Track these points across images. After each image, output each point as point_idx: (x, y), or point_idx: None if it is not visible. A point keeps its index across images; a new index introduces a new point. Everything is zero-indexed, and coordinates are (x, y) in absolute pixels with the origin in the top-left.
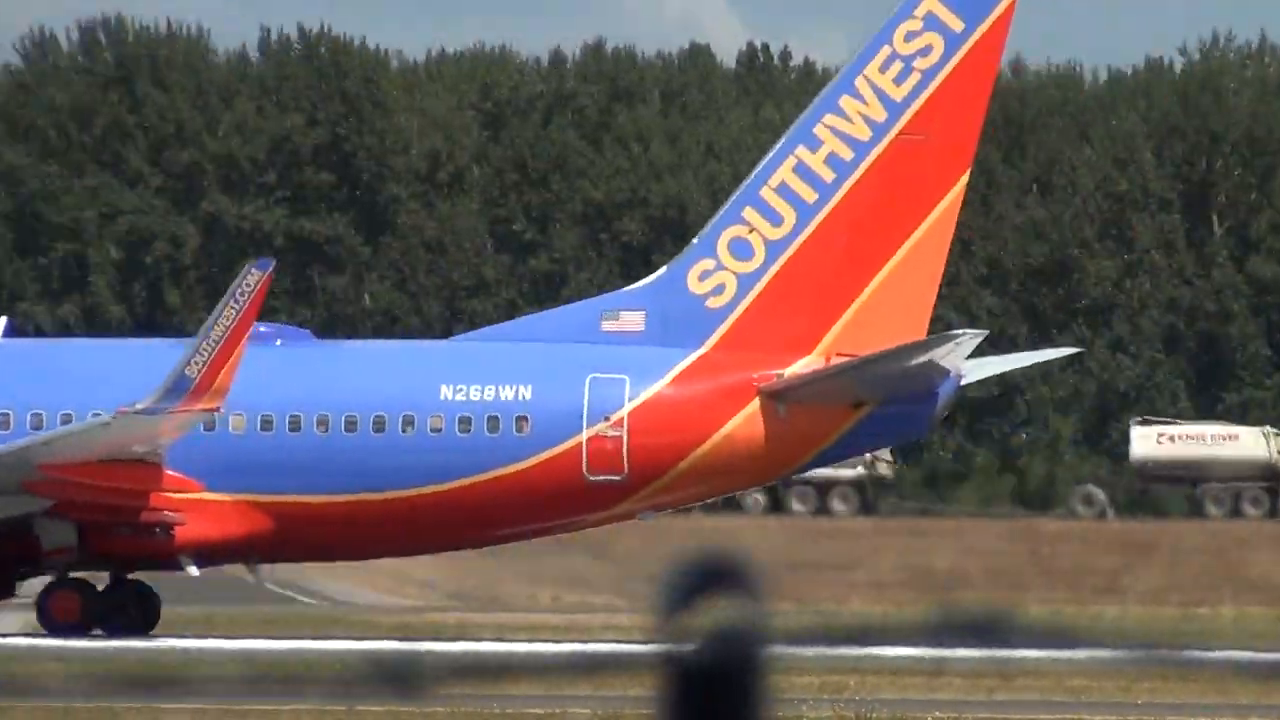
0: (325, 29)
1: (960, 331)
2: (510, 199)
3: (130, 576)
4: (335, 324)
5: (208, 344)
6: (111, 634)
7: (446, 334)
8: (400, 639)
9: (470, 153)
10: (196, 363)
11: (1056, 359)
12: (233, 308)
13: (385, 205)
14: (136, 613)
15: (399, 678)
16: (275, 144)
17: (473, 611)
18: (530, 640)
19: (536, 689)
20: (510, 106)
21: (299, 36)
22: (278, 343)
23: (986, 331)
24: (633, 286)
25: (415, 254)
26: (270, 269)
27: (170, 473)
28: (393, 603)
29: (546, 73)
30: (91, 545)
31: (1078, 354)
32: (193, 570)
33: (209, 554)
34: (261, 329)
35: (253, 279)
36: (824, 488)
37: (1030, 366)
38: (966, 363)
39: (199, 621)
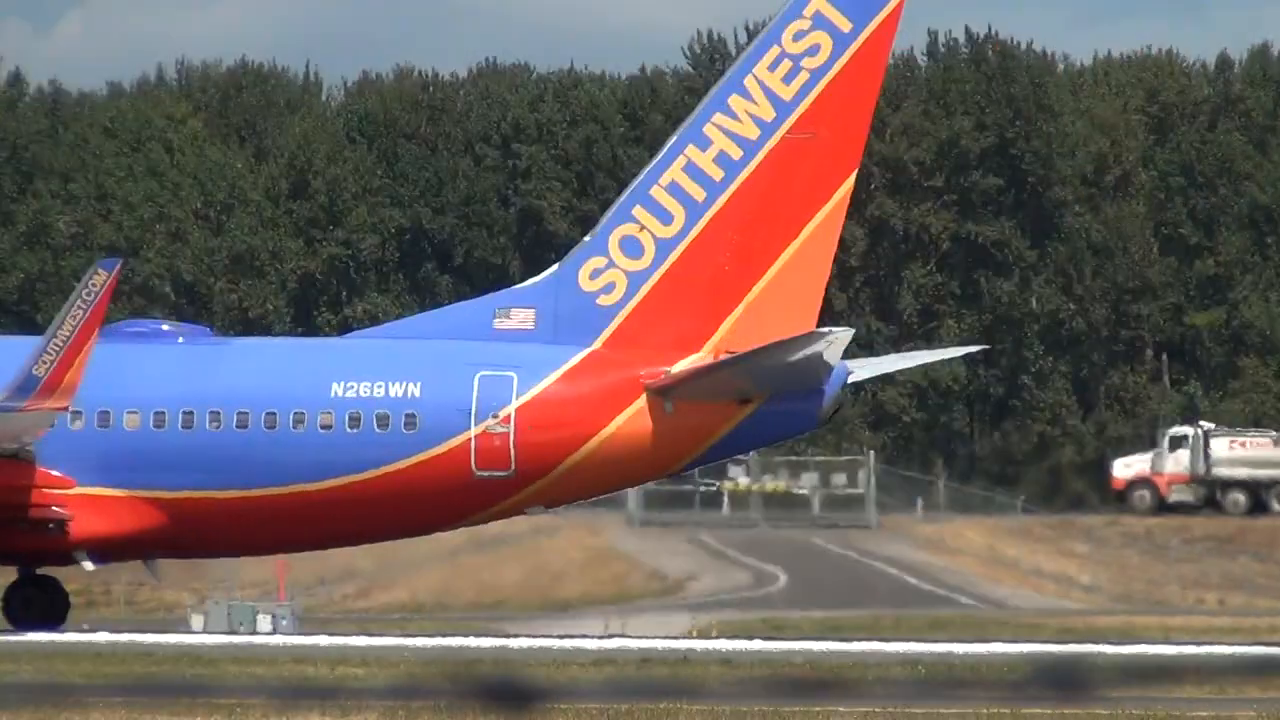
0: (992, 32)
1: (828, 329)
2: (1176, 202)
3: (39, 571)
4: (1001, 328)
5: (56, 343)
6: (18, 628)
7: (1113, 338)
8: (1065, 642)
9: (1136, 156)
10: (45, 361)
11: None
12: (80, 307)
13: (1051, 209)
14: (44, 607)
15: (1065, 680)
16: (942, 148)
17: (1138, 614)
18: (1196, 643)
19: (1202, 691)
20: (1177, 110)
21: (966, 40)
22: (180, 340)
23: (854, 330)
24: (524, 284)
25: (1082, 257)
26: (116, 269)
27: (43, 469)
28: (1057, 605)
29: (1213, 76)
30: None
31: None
32: (88, 565)
33: (104, 550)
34: (164, 327)
35: (99, 279)
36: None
37: None
38: (856, 361)
39: (866, 626)
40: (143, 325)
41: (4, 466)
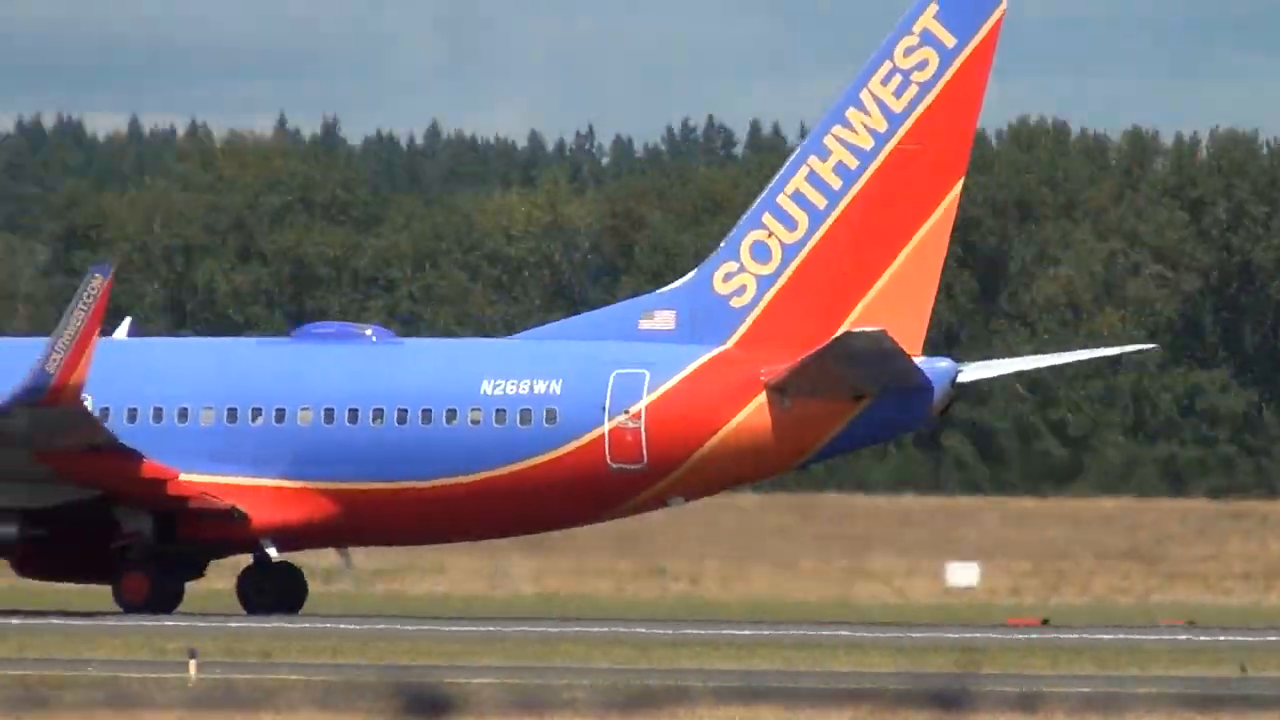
0: None
1: (868, 328)
2: None
3: (278, 559)
4: None
5: (61, 344)
6: (251, 612)
7: None
8: None
9: None
10: (54, 361)
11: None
12: (80, 311)
13: None
14: (281, 593)
15: None
16: None
17: None
18: None
19: None
20: None
21: None
22: (373, 339)
23: (879, 329)
24: (668, 288)
25: None
26: (110, 274)
27: (149, 461)
28: None
29: None
30: (171, 531)
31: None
32: (273, 553)
33: (286, 539)
34: (368, 331)
35: (95, 284)
36: None
37: None
38: (974, 364)
39: None
40: (331, 327)
41: (101, 459)
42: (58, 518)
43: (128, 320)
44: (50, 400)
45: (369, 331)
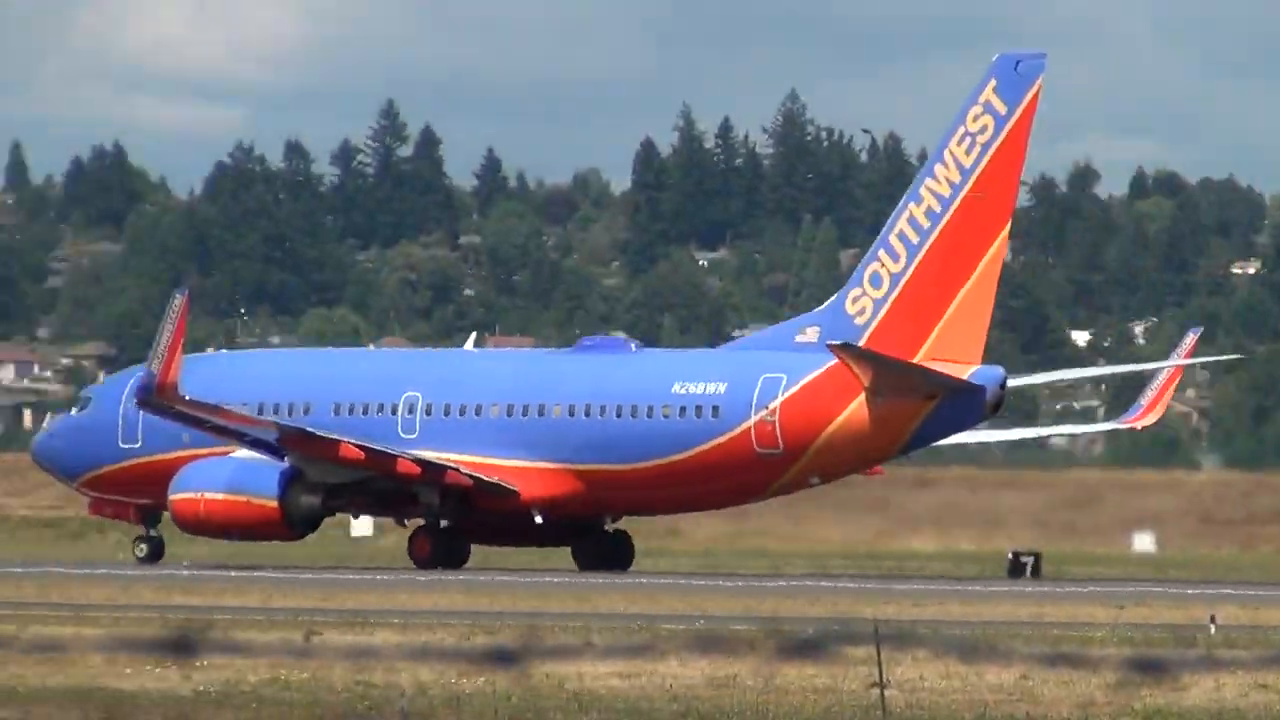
0: None
1: (838, 341)
2: None
3: (610, 527)
4: None
5: (159, 352)
6: (583, 569)
7: None
8: None
9: None
10: (155, 365)
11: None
12: (169, 325)
13: None
14: (609, 556)
15: None
16: None
17: None
18: None
19: None
20: None
21: None
22: (633, 350)
23: (844, 341)
24: (819, 309)
25: None
26: (187, 293)
27: (346, 443)
28: None
29: None
30: (465, 504)
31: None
32: (538, 519)
33: (548, 509)
34: (629, 342)
35: (177, 302)
36: None
37: None
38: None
39: None
40: (597, 340)
41: (310, 442)
42: (359, 490)
43: (473, 334)
44: (159, 394)
45: (633, 346)
